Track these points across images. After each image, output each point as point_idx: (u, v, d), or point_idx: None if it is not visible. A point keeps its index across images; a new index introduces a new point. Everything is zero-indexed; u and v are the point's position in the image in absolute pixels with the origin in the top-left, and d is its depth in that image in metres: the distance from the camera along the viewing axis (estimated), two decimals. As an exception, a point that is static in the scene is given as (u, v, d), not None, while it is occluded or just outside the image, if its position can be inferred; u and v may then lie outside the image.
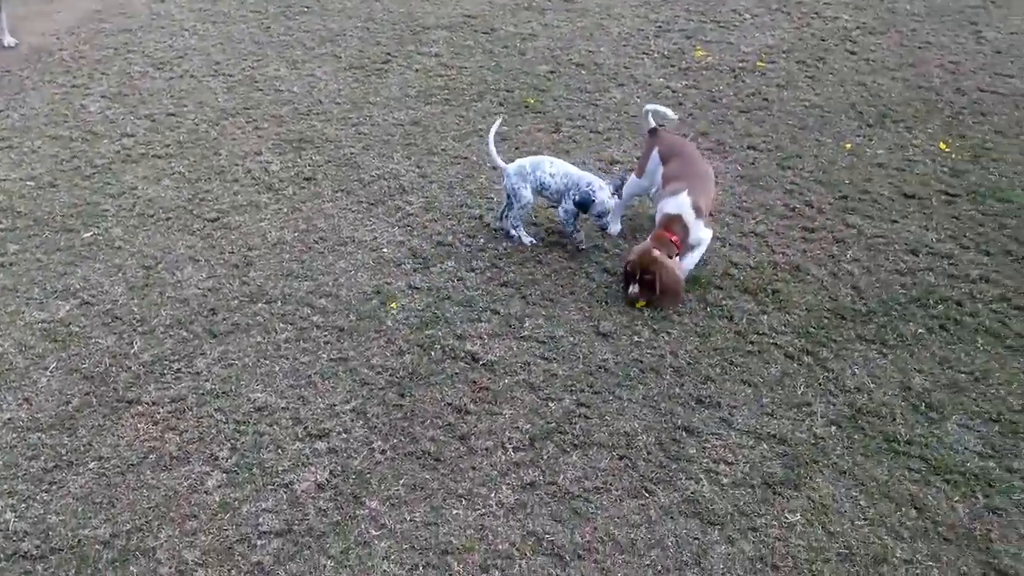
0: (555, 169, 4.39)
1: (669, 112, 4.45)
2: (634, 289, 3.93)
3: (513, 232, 4.51)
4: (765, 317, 3.95)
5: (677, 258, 3.97)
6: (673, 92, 6.14)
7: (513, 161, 4.52)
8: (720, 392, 3.55)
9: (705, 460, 3.25)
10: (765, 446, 3.30)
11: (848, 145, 5.35)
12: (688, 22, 7.38)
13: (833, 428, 3.37)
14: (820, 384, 3.58)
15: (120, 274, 4.36)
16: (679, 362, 3.72)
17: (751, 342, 3.82)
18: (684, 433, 3.37)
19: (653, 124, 4.44)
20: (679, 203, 3.98)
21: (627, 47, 6.91)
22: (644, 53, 6.79)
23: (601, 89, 6.21)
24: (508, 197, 4.47)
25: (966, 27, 7.19)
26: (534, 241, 4.50)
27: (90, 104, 6.14)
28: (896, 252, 4.36)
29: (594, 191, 4.24)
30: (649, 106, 4.47)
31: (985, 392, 3.50)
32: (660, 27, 7.27)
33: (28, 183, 5.19)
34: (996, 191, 4.81)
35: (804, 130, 5.58)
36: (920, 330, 3.84)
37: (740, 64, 6.55)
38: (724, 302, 4.05)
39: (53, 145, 5.61)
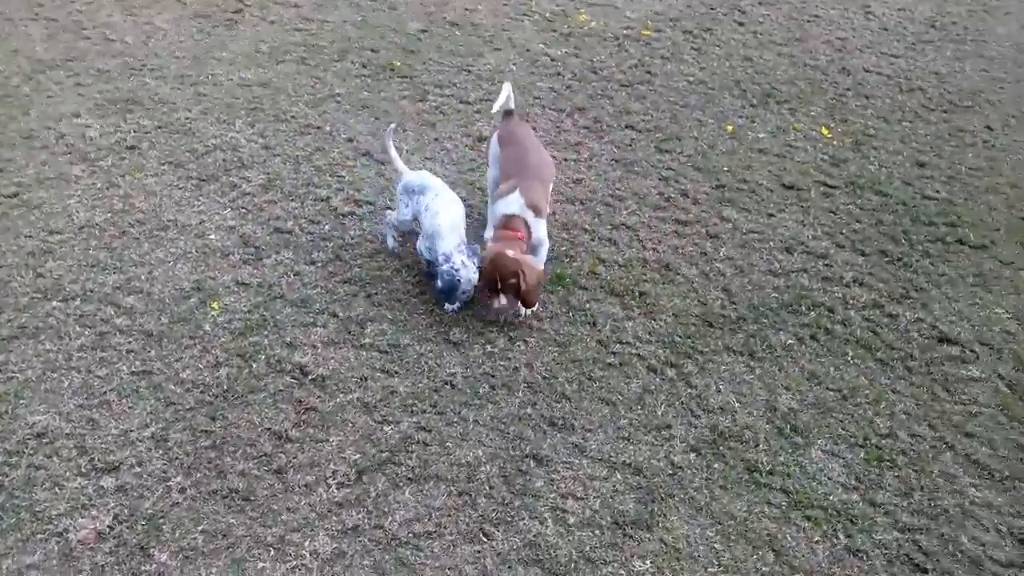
0: (431, 214, 3.62)
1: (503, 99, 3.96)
2: (502, 301, 3.48)
3: (382, 230, 3.99)
4: (630, 324, 3.64)
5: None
6: (552, 60, 5.70)
7: (419, 170, 4.01)
8: (576, 412, 3.22)
9: (552, 495, 2.92)
10: (619, 477, 3.00)
11: (730, 127, 5.07)
12: (575, -18, 6.91)
13: (692, 455, 3.09)
14: (682, 403, 3.30)
15: None
16: (534, 376, 3.36)
17: (613, 352, 3.49)
18: (532, 462, 3.03)
19: (510, 106, 3.97)
20: (512, 202, 3.58)
21: (507, 6, 6.41)
22: (525, 14, 6.31)
23: (475, 53, 5.71)
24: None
25: (855, 0, 7.01)
26: (397, 248, 3.95)
27: None
28: (771, 250, 4.11)
29: (457, 272, 3.48)
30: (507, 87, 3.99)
31: (852, 413, 3.29)
32: (545, -14, 6.78)
33: None
34: (874, 183, 4.62)
35: (686, 108, 5.26)
36: (790, 340, 3.60)
37: (625, 31, 6.16)
38: (588, 305, 3.71)
39: None
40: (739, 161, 4.78)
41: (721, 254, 4.07)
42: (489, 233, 3.75)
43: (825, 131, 5.10)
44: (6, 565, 2.59)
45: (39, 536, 2.68)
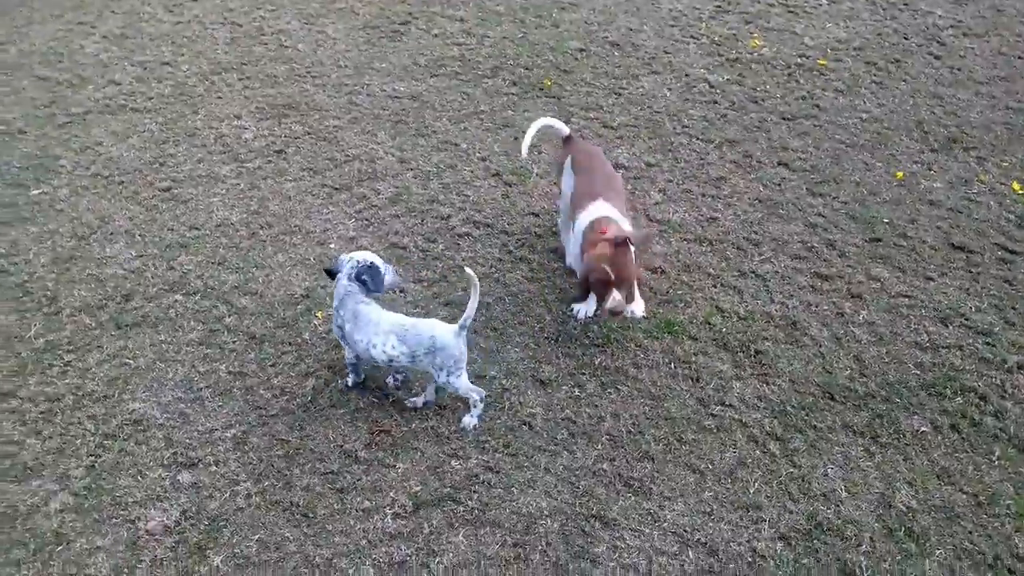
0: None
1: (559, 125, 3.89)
2: (616, 298, 3.25)
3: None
4: (738, 385, 3.31)
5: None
6: (710, 87, 5.38)
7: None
8: (656, 475, 2.97)
9: (612, 564, 2.69)
10: (690, 555, 2.72)
11: (899, 174, 4.53)
12: (753, 3, 6.52)
13: (780, 545, 2.75)
14: (780, 483, 2.95)
15: (50, 241, 4.03)
16: (619, 429, 3.13)
17: (712, 415, 3.19)
18: (598, 524, 2.81)
19: (564, 131, 3.88)
20: (598, 208, 3.42)
21: (674, 27, 6.14)
22: (692, 36, 6.01)
23: (630, 75, 5.51)
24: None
25: (1084, 37, 6.10)
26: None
27: (89, 45, 5.83)
28: (921, 319, 3.61)
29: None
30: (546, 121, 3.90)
31: (986, 525, 2.80)
32: (719, 6, 6.44)
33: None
34: (1067, 253, 3.96)
35: (852, 148, 4.77)
36: (924, 427, 3.13)
37: (799, 60, 5.71)
38: (694, 358, 3.42)
39: (38, 87, 5.32)
40: (903, 213, 4.26)
41: (861, 317, 3.63)
42: (570, 260, 3.59)
43: (1017, 187, 4.44)
44: (80, 543, 2.74)
45: (113, 520, 2.81)
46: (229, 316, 3.62)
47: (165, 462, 3.01)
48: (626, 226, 3.40)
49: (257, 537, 2.77)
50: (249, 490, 2.92)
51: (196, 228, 4.13)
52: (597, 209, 3.40)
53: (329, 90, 5.32)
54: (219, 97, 5.23)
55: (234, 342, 3.50)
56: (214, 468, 2.99)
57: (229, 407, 3.22)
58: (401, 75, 5.49)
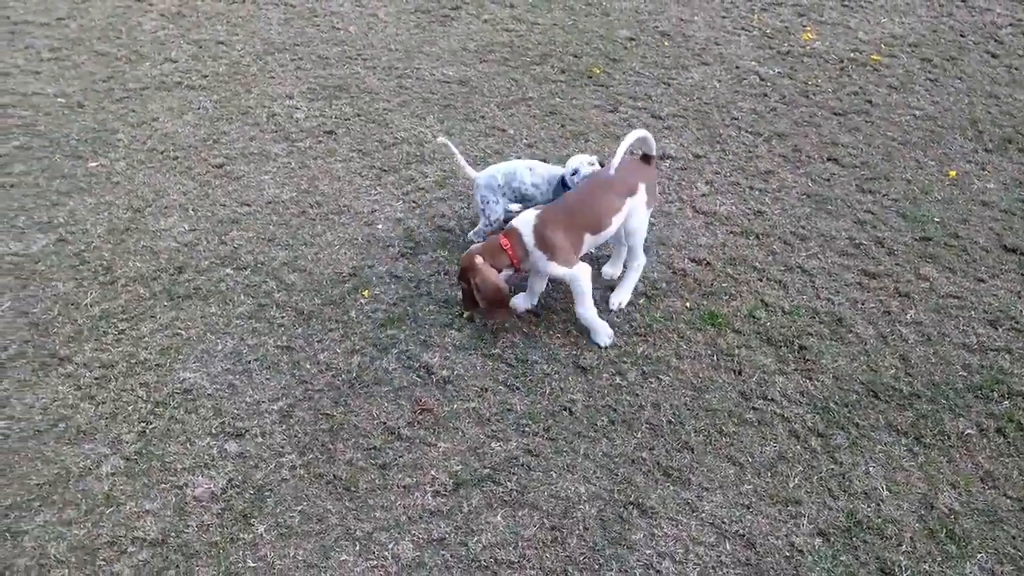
0: (537, 176, 3.82)
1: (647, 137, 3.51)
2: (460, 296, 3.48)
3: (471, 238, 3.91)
4: (781, 379, 3.30)
5: (510, 271, 3.39)
6: (761, 79, 5.32)
7: (485, 168, 3.90)
8: (695, 466, 2.97)
9: (649, 551, 2.71)
10: (727, 547, 2.73)
11: (952, 172, 4.46)
12: (807, -3, 6.42)
13: (819, 540, 2.75)
14: (821, 479, 2.94)
15: (107, 212, 4.14)
16: (660, 418, 3.14)
17: (754, 408, 3.19)
18: (635, 511, 2.83)
19: (651, 151, 3.57)
20: (525, 218, 3.36)
21: (726, 19, 6.08)
22: (743, 28, 5.95)
23: (680, 66, 5.47)
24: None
25: None
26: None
27: (146, 22, 5.94)
28: (971, 320, 3.56)
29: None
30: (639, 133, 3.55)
31: (1030, 530, 2.76)
32: (772, -1, 6.36)
33: (59, 100, 5.05)
34: (1126, 259, 3.86)
35: (904, 146, 4.70)
36: (970, 430, 3.10)
37: (852, 54, 5.62)
38: (738, 351, 3.41)
39: (96, 62, 5.44)
40: (955, 213, 4.19)
41: (908, 317, 3.58)
42: None
43: (1075, 189, 4.34)
44: (129, 506, 2.83)
45: (162, 486, 2.90)
46: (278, 292, 3.69)
47: (213, 431, 3.09)
48: (548, 266, 3.34)
49: (300, 508, 2.84)
50: (294, 462, 2.99)
51: (247, 204, 4.21)
52: (525, 219, 3.35)
53: (380, 73, 5.37)
54: (272, 77, 5.31)
55: (282, 317, 3.57)
56: (260, 439, 3.07)
57: (276, 380, 3.29)
58: (450, 60, 5.52)
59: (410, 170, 4.46)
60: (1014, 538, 2.74)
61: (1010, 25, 6.05)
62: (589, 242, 3.41)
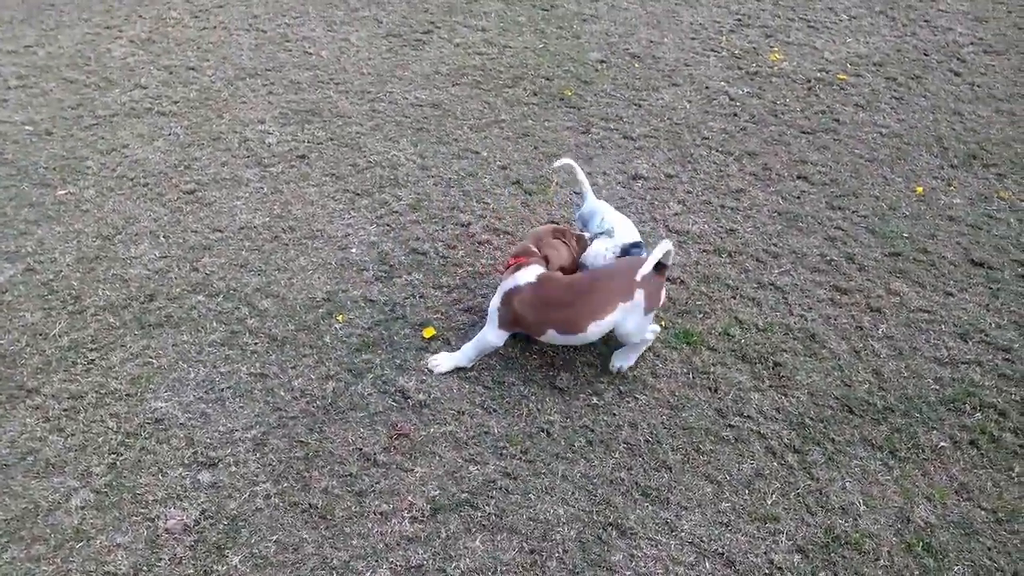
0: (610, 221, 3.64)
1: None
2: None
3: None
4: (756, 396, 3.32)
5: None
6: (731, 100, 5.39)
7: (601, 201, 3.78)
8: (674, 485, 2.97)
9: (628, 573, 2.70)
10: (707, 566, 2.72)
11: (919, 188, 4.53)
12: (773, 17, 6.53)
13: (797, 557, 2.75)
14: (798, 495, 2.94)
15: (76, 241, 4.09)
16: (637, 438, 3.14)
17: (731, 425, 3.20)
18: (614, 532, 2.82)
19: (667, 261, 3.25)
20: (529, 272, 3.30)
21: (695, 40, 6.16)
22: (712, 50, 6.03)
23: (651, 87, 5.53)
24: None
25: (1107, 55, 6.07)
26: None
27: (116, 49, 5.91)
28: (941, 334, 3.60)
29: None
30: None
31: (1006, 542, 2.79)
32: (740, 20, 6.46)
33: (26, 128, 4.99)
34: (1089, 271, 3.94)
35: (872, 163, 4.77)
36: (943, 443, 3.13)
37: (818, 74, 5.72)
38: (713, 368, 3.43)
39: (65, 89, 5.39)
40: (923, 228, 4.25)
41: (880, 331, 3.62)
42: None
43: (1038, 203, 4.43)
44: (100, 540, 2.77)
45: (134, 518, 2.84)
46: (251, 318, 3.65)
47: (185, 461, 3.04)
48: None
49: (275, 538, 2.80)
50: (268, 491, 2.94)
51: (219, 230, 4.18)
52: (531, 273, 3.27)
53: (352, 97, 5.37)
54: (243, 102, 5.29)
55: (255, 344, 3.53)
56: (234, 468, 3.02)
57: (249, 408, 3.25)
58: (423, 83, 5.54)
59: (384, 193, 4.46)
60: (990, 549, 2.76)
61: (971, 44, 6.19)
62: (556, 339, 3.28)
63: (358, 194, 4.46)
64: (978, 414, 3.23)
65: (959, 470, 3.02)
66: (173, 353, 3.48)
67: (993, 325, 3.64)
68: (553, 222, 4.07)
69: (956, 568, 2.71)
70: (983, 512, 2.88)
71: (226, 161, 4.72)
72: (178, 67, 5.69)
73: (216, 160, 4.73)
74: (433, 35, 6.18)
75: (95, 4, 6.55)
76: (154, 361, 3.44)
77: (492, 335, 3.30)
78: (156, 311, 3.68)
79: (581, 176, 3.77)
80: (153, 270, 3.92)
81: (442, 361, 3.40)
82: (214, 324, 3.63)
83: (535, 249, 3.35)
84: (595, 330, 3.19)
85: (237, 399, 3.28)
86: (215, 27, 6.24)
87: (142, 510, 2.87)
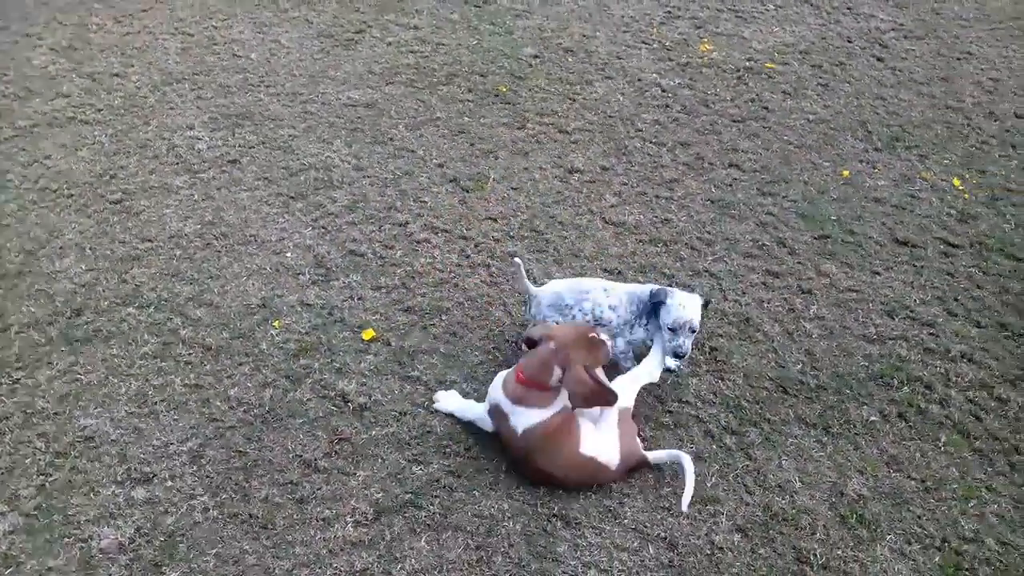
0: (614, 298, 3.25)
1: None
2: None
3: None
4: (694, 381, 3.37)
5: None
6: (663, 91, 5.46)
7: (545, 283, 3.40)
8: (616, 473, 2.99)
9: (574, 562, 2.72)
10: (650, 551, 2.76)
11: (846, 172, 4.65)
12: (702, 9, 6.63)
13: (738, 536, 2.80)
14: (737, 476, 3.00)
15: (-3, 257, 3.95)
16: (578, 429, 3.15)
17: (669, 411, 3.24)
18: (559, 523, 2.84)
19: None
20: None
21: (627, 33, 6.22)
22: (644, 42, 6.10)
23: (584, 81, 5.57)
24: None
25: (1018, 38, 6.32)
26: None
27: (35, 57, 5.71)
28: (869, 313, 3.71)
29: (667, 293, 3.15)
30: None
31: (934, 509, 2.88)
32: (670, 12, 6.55)
33: (-59, 142, 4.80)
34: (1006, 245, 4.09)
35: (800, 149, 4.88)
36: (874, 417, 3.22)
37: (747, 63, 5.82)
38: (651, 357, 3.46)
39: (-18, 100, 5.20)
40: (850, 210, 4.37)
41: (811, 312, 3.71)
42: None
43: (957, 182, 4.59)
44: (31, 564, 2.69)
45: (66, 540, 2.76)
46: (184, 328, 3.58)
47: (119, 478, 2.97)
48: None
49: (215, 551, 2.75)
50: (206, 504, 2.89)
51: (149, 240, 4.08)
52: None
53: (283, 99, 5.29)
54: (171, 108, 5.17)
55: (189, 354, 3.46)
56: (170, 483, 2.96)
57: (185, 420, 3.18)
58: (356, 83, 5.49)
59: (318, 196, 4.40)
60: (920, 517, 2.85)
61: (892, 30, 6.37)
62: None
63: (292, 197, 4.40)
64: (905, 388, 3.33)
65: (889, 443, 3.12)
66: (103, 368, 3.39)
67: (918, 301, 3.76)
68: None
69: (888, 537, 2.79)
70: (912, 482, 2.97)
71: (154, 169, 4.61)
72: (101, 74, 5.54)
73: (144, 168, 4.61)
74: (365, 34, 6.12)
75: (11, 12, 6.32)
76: (83, 377, 3.35)
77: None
78: (84, 326, 3.58)
79: (521, 271, 3.26)
80: (80, 284, 3.81)
81: (444, 401, 3.24)
82: (145, 336, 3.54)
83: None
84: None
85: (171, 412, 3.21)
86: (139, 32, 6.08)
87: (74, 531, 2.79)
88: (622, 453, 2.90)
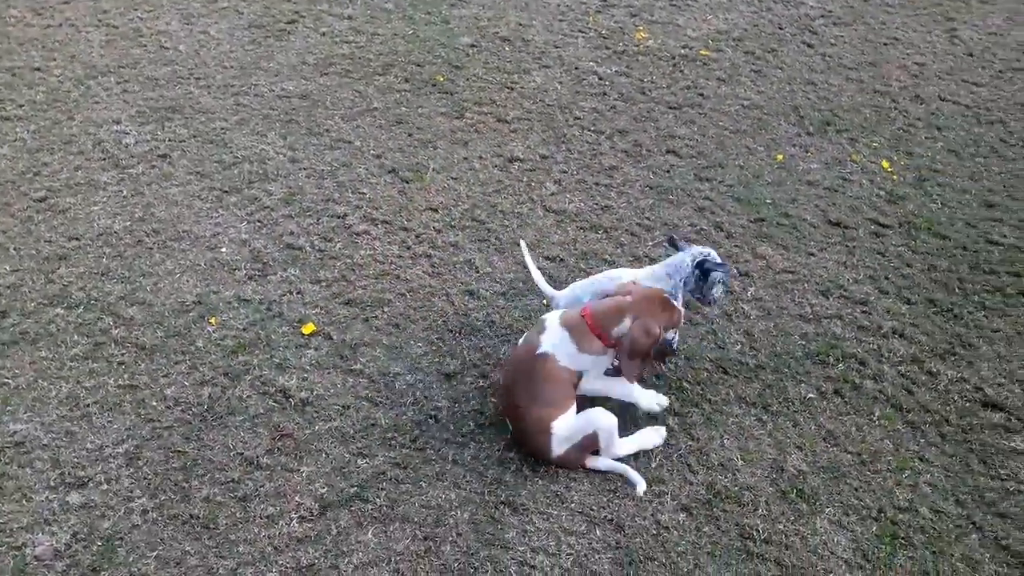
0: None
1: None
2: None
3: None
4: (637, 364, 3.39)
5: None
6: (600, 79, 5.49)
7: (565, 287, 3.41)
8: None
9: (523, 548, 2.73)
10: (598, 533, 2.78)
11: (780, 156, 4.75)
12: (638, -2, 6.68)
13: (683, 515, 2.84)
14: (681, 456, 3.05)
15: (-87, 260, 3.77)
16: (524, 416, 3.16)
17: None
18: (507, 510, 2.84)
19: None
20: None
21: (563, 22, 6.23)
22: (580, 30, 6.12)
23: (522, 70, 5.56)
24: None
25: (941, 23, 6.53)
26: None
27: (-52, 50, 5.46)
28: (804, 293, 3.79)
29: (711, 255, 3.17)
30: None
31: (870, 481, 2.97)
32: (605, 1, 6.57)
33: None
34: (933, 224, 4.23)
35: (736, 134, 4.96)
36: (811, 394, 3.30)
37: (682, 50, 5.89)
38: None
39: None
40: (785, 193, 4.46)
41: (749, 294, 3.78)
42: None
43: (886, 164, 4.72)
44: (-41, 576, 2.58)
45: (-3, 549, 2.66)
46: (116, 328, 3.47)
47: (52, 484, 2.87)
48: None
49: (155, 554, 2.68)
50: (145, 506, 2.81)
51: (76, 239, 3.94)
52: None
53: (214, 91, 5.16)
54: (96, 102, 5.00)
55: (122, 354, 3.36)
56: (106, 486, 2.87)
57: (119, 422, 3.09)
58: (290, 74, 5.38)
59: (253, 189, 4.31)
60: (856, 489, 2.94)
61: (822, 16, 6.52)
62: None
63: (226, 191, 4.30)
64: (841, 365, 3.42)
65: (826, 419, 3.20)
66: (31, 371, 3.27)
67: (851, 280, 3.87)
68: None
69: (827, 510, 2.86)
70: (849, 455, 3.06)
71: (80, 165, 4.46)
72: (21, 68, 5.32)
73: (69, 164, 4.45)
74: (298, 24, 6.01)
75: (-79, 3, 6.03)
76: (10, 381, 3.22)
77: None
78: (10, 328, 3.45)
79: (535, 270, 3.44)
80: (4, 285, 3.66)
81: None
82: (75, 337, 3.42)
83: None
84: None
85: (105, 413, 3.11)
86: (60, 24, 5.86)
87: (7, 539, 2.69)
88: (567, 452, 2.91)
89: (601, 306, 2.94)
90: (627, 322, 2.86)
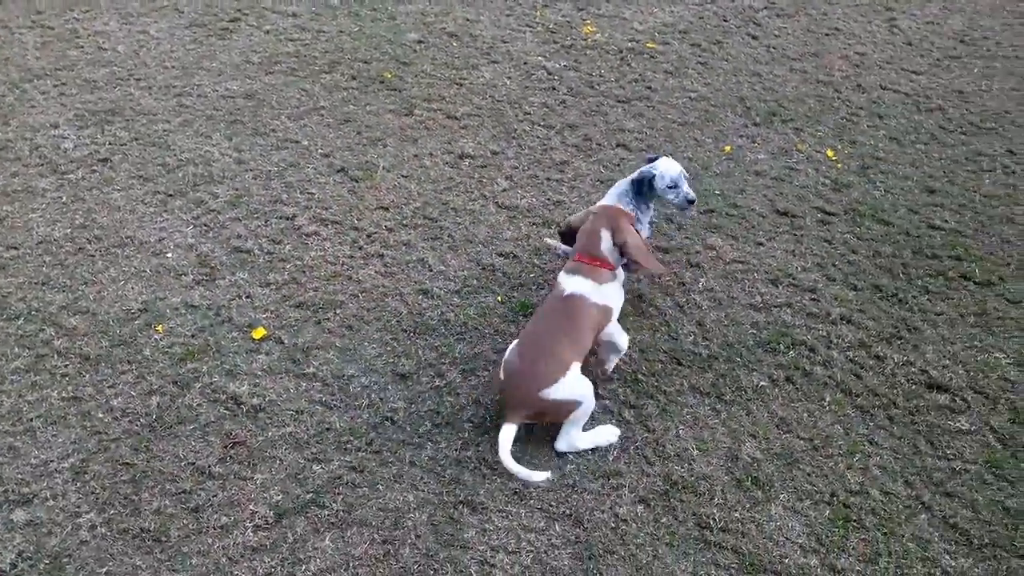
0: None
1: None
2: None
3: None
4: (592, 358, 3.40)
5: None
6: (549, 74, 5.49)
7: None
8: (520, 456, 3.01)
9: (483, 547, 2.71)
10: (557, 529, 2.78)
11: (728, 147, 4.80)
12: (584, -8, 6.69)
13: (640, 507, 2.86)
14: (637, 448, 3.06)
15: None
16: (480, 414, 3.16)
17: (569, 390, 3.26)
18: (466, 510, 2.83)
19: None
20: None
21: (510, 17, 6.22)
22: (527, 25, 6.11)
23: (470, 66, 5.53)
24: None
25: (881, 13, 6.66)
26: None
27: None
28: (754, 282, 3.84)
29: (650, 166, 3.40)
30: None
31: (822, 466, 3.02)
32: (552, -4, 6.58)
33: None
34: (877, 211, 4.32)
35: (684, 127, 5.01)
36: (763, 382, 3.34)
37: (629, 44, 5.92)
38: (550, 337, 3.48)
39: None
40: (733, 184, 4.51)
41: (700, 285, 3.82)
42: None
43: (831, 153, 4.80)
44: (-103, 603, 2.48)
45: (-63, 573, 2.56)
46: (58, 339, 3.37)
47: (-6, 502, 2.77)
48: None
49: (105, 570, 2.61)
50: (93, 521, 2.74)
51: (14, 248, 3.82)
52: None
53: (156, 93, 5.04)
54: (32, 106, 4.85)
55: (66, 366, 3.26)
56: (52, 502, 2.79)
57: (64, 436, 3.00)
58: (233, 74, 5.28)
59: (199, 192, 4.22)
60: (809, 475, 2.98)
61: (765, 8, 6.61)
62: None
63: (170, 195, 4.20)
64: (791, 352, 3.47)
65: (778, 406, 3.24)
66: (-31, 387, 3.16)
67: (799, 269, 3.93)
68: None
69: (782, 496, 2.91)
70: (801, 441, 3.10)
71: (16, 172, 4.32)
72: (-50, 71, 5.13)
73: (5, 171, 4.31)
74: (240, 23, 5.90)
75: None
76: (-53, 398, 3.11)
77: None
78: (-55, 343, 3.33)
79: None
80: (-62, 298, 3.53)
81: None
82: (16, 350, 3.32)
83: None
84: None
85: (49, 427, 3.02)
86: (-9, 25, 5.67)
87: (-54, 563, 2.59)
88: (556, 402, 2.90)
89: (579, 243, 3.15)
90: (605, 235, 3.08)
